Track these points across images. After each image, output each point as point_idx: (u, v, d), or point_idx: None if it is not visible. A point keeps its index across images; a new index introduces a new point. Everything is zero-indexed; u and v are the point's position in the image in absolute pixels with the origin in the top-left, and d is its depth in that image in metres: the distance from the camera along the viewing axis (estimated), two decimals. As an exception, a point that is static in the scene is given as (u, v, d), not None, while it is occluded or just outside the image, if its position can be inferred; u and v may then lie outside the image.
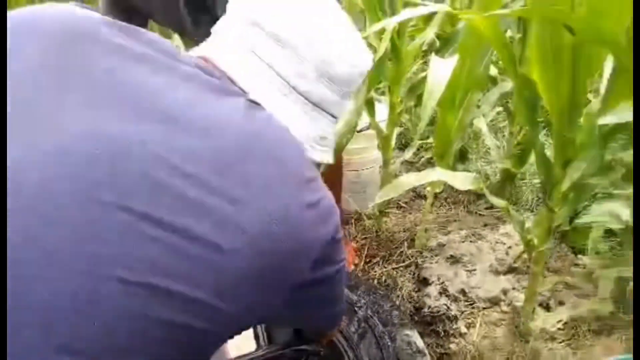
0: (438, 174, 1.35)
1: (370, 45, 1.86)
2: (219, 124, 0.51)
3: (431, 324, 1.71)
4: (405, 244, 1.98)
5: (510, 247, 1.87)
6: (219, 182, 0.47)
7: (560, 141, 1.21)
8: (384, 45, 1.60)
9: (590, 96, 1.57)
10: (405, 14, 1.29)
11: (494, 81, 1.95)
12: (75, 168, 0.44)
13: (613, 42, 0.92)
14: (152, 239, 0.44)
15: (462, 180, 1.35)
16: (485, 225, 2.07)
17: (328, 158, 0.69)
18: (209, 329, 0.47)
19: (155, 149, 0.46)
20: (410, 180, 1.40)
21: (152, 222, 0.44)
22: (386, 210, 2.15)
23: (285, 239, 0.50)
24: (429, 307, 1.73)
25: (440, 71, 1.31)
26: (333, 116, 0.68)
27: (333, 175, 1.88)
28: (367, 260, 1.98)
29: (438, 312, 1.72)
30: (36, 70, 0.48)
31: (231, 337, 0.53)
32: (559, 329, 1.62)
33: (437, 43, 2.26)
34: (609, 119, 1.10)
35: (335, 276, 0.61)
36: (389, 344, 1.50)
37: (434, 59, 1.36)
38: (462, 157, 2.50)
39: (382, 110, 2.02)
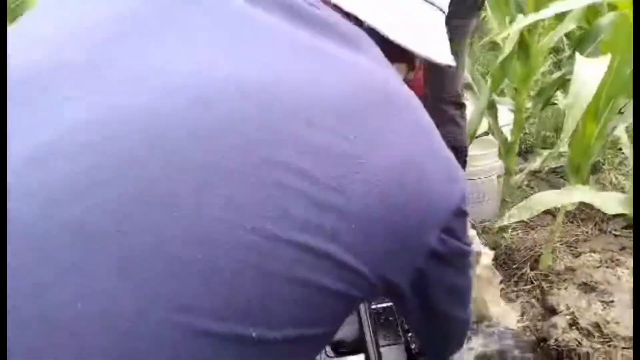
0: (581, 195, 1.16)
1: (494, 43, 1.69)
2: (344, 70, 0.47)
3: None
4: (528, 264, 1.77)
5: (656, 277, 1.60)
6: (349, 130, 0.43)
7: None
8: (512, 42, 1.43)
9: None
10: (554, 8, 1.10)
11: None
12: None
13: None
14: (296, 191, 0.40)
15: (614, 202, 1.15)
16: (623, 248, 1.81)
17: (449, 59, 0.62)
18: (342, 291, 0.42)
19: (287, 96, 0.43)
20: (548, 199, 1.22)
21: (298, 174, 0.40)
22: (506, 226, 1.95)
23: (415, 188, 0.46)
24: (556, 340, 1.53)
25: (589, 73, 1.11)
26: (441, 10, 0.63)
27: None
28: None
29: (566, 346, 1.51)
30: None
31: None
32: None
33: (565, 42, 2.03)
34: None
35: (464, 260, 0.55)
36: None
37: (579, 59, 1.16)
38: (594, 168, 2.23)
39: (504, 114, 1.84)
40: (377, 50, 0.53)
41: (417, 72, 0.68)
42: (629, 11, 1.17)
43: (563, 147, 1.91)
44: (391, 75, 0.51)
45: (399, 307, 0.58)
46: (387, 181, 0.43)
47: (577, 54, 1.23)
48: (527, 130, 2.49)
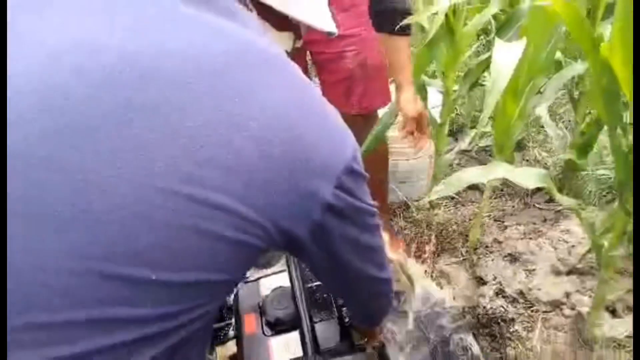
0: (503, 171, 1.23)
1: (421, 27, 1.74)
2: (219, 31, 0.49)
3: (486, 326, 1.61)
4: (460, 239, 1.86)
5: (573, 246, 1.73)
6: (229, 90, 0.46)
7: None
8: (437, 26, 1.48)
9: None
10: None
11: (558, 66, 1.79)
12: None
13: None
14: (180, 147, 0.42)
15: (528, 177, 1.23)
16: (545, 220, 1.93)
17: (331, 27, 0.66)
18: (241, 240, 0.46)
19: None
20: (472, 175, 1.28)
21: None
22: (437, 202, 2.03)
23: (299, 144, 0.48)
24: (484, 308, 1.62)
25: (506, 56, 1.18)
26: None
27: (378, 164, 1.78)
28: (417, 255, 1.88)
29: (494, 313, 1.61)
30: None
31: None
32: (627, 336, 1.48)
33: (493, 24, 2.11)
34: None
35: (365, 217, 0.58)
36: (442, 348, 1.41)
37: (497, 42, 1.23)
38: (519, 145, 2.35)
39: (434, 96, 1.90)
40: (256, 23, 0.56)
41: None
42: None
43: (485, 127, 2.00)
44: (268, 43, 0.54)
45: (307, 261, 0.61)
46: (271, 137, 0.46)
47: (496, 38, 1.29)
48: (458, 111, 2.59)
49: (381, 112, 1.72)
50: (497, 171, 1.21)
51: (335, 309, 1.09)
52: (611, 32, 0.98)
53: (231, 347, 1.16)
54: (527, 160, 2.30)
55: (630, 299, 1.59)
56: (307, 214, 0.50)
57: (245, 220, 0.45)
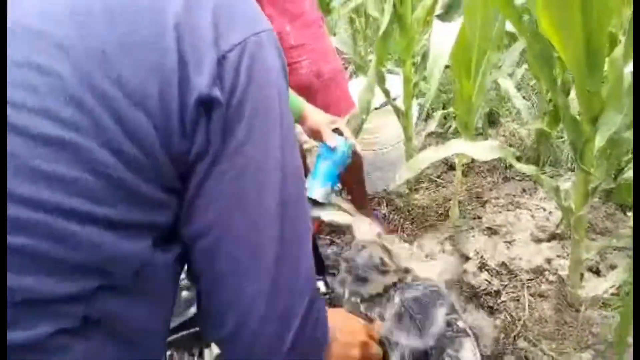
0: (459, 146, 1.26)
1: (372, 17, 1.77)
2: None
3: (472, 301, 1.63)
4: (441, 219, 1.89)
5: (550, 213, 1.75)
6: None
7: (585, 96, 1.10)
8: (387, 15, 1.51)
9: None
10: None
11: (514, 38, 1.81)
12: None
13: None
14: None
15: (485, 150, 1.26)
16: (524, 191, 1.95)
17: None
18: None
19: None
20: (429, 156, 1.31)
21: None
22: (416, 187, 2.06)
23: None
24: (469, 283, 1.65)
25: (443, 36, 1.21)
26: None
27: (354, 171, 1.80)
28: (401, 239, 1.91)
29: (479, 287, 1.64)
30: None
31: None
32: (612, 294, 1.51)
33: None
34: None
35: (254, 135, 0.49)
36: (429, 325, 1.43)
37: (435, 23, 1.26)
38: (493, 122, 2.37)
39: (399, 84, 1.93)
40: None
41: None
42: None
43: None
44: None
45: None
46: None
47: (434, 19, 1.32)
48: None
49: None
50: (452, 148, 1.23)
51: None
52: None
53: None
54: (504, 136, 2.32)
55: (610, 257, 1.62)
56: (166, 95, 0.47)
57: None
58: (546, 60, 1.08)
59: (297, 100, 1.23)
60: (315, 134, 1.17)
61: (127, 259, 0.47)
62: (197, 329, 1.23)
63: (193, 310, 1.24)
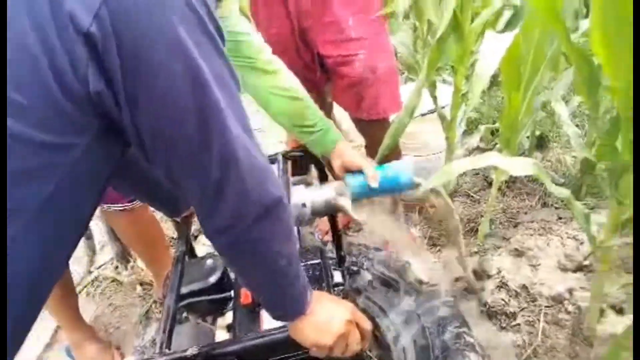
0: (495, 159, 1.25)
1: (429, 22, 1.77)
2: None
3: (485, 318, 1.62)
4: (470, 234, 1.88)
5: (582, 243, 1.71)
6: None
7: (626, 123, 1.08)
8: (445, 21, 1.52)
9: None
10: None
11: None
12: None
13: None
14: None
15: (520, 165, 1.25)
16: (559, 218, 1.91)
17: None
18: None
19: None
20: (463, 165, 1.31)
21: None
22: (452, 199, 2.05)
23: None
24: (485, 300, 1.64)
25: (493, 47, 1.21)
26: None
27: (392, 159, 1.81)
28: (428, 248, 1.92)
29: (494, 306, 1.62)
30: None
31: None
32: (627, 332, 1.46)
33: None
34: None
35: (182, 71, 0.61)
36: (438, 335, 1.44)
37: (488, 34, 1.26)
38: (542, 146, 2.33)
39: (450, 94, 1.93)
40: None
41: None
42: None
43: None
44: None
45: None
46: None
47: (487, 30, 1.32)
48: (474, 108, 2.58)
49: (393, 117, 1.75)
50: (489, 159, 1.23)
51: (328, 284, 1.16)
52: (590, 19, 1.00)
53: (228, 317, 1.26)
54: (549, 161, 2.28)
55: (636, 297, 1.57)
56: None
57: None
58: (592, 84, 1.07)
59: (335, 133, 1.29)
60: (344, 170, 1.27)
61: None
62: (216, 296, 1.28)
63: (213, 278, 1.29)
